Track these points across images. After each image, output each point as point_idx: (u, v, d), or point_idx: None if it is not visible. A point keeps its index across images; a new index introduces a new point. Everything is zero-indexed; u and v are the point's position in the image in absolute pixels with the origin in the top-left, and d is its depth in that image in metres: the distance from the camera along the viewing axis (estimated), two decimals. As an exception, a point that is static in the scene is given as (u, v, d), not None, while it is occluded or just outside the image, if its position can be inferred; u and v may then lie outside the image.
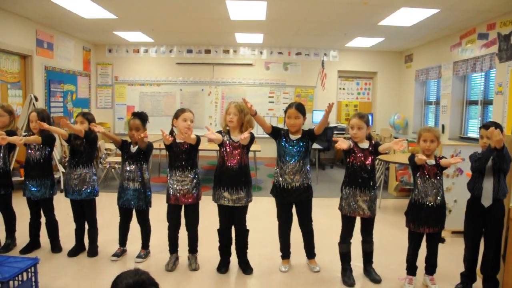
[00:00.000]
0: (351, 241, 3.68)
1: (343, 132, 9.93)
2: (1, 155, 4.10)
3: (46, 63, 8.31)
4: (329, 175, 9.05)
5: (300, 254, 4.01)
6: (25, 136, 4.10)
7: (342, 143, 3.37)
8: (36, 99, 6.74)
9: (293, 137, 3.70)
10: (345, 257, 3.69)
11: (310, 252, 3.94)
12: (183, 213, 3.84)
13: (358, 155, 3.51)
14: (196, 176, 3.78)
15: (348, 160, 3.58)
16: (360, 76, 11.11)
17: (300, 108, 3.68)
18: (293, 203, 3.79)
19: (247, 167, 3.68)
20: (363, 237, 3.69)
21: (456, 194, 4.88)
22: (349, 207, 3.55)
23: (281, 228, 3.91)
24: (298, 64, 10.75)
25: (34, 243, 4.21)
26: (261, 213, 5.55)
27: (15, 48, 7.29)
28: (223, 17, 7.23)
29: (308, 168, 3.75)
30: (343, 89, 11.14)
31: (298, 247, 3.99)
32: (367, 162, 3.50)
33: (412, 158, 3.44)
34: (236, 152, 3.61)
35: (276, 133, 3.74)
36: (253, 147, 3.90)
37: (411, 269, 3.57)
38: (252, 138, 3.58)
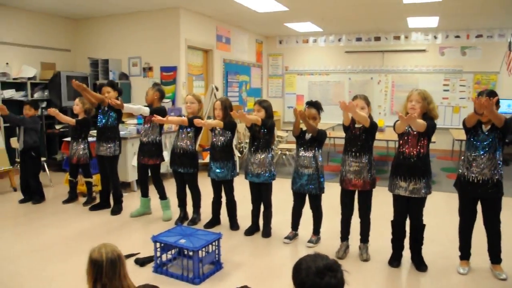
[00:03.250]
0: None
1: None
2: (192, 139, 4.58)
3: (224, 56, 9.04)
4: (515, 171, 7.99)
5: (481, 257, 3.61)
6: None
7: None
8: (217, 89, 7.39)
9: (484, 128, 3.37)
10: (541, 267, 3.23)
11: (495, 256, 3.52)
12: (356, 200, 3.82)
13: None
14: (370, 162, 3.72)
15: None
16: (560, 58, 9.51)
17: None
18: (479, 199, 3.46)
19: (426, 157, 3.46)
20: None
21: None
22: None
23: (462, 225, 3.58)
24: (479, 47, 9.70)
25: (215, 220, 4.65)
26: (436, 208, 5.19)
27: (200, 44, 8.11)
28: (395, 1, 6.90)
29: (500, 163, 3.39)
30: (535, 74, 9.69)
31: (480, 248, 3.60)
32: None
33: None
34: (415, 140, 3.43)
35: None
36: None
37: None
38: (433, 126, 3.38)
